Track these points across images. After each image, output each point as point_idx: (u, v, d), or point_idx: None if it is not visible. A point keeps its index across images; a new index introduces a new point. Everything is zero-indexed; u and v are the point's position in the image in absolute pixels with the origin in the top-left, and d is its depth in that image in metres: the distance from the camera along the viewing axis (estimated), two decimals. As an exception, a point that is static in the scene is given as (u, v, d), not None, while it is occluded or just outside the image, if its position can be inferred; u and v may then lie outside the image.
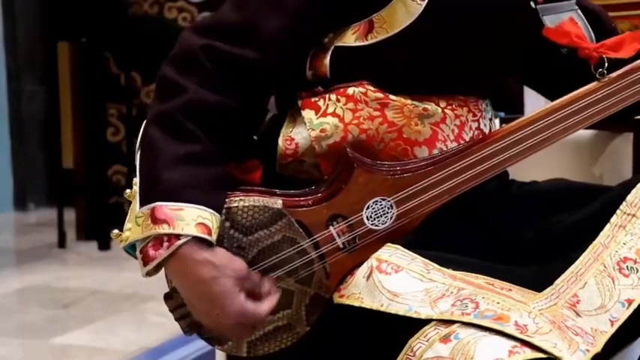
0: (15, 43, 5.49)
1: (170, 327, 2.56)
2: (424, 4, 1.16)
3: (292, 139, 1.19)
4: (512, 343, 0.98)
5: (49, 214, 5.00)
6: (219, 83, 1.14)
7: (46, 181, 5.62)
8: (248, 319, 1.11)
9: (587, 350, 1.01)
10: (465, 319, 1.01)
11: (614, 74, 1.23)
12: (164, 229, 1.08)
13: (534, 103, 1.88)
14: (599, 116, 1.22)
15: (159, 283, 1.20)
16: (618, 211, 1.16)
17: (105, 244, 4.36)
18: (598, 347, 1.04)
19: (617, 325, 1.07)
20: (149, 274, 1.11)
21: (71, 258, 4.30)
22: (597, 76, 1.22)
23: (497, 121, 1.37)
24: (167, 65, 1.16)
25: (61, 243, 4.47)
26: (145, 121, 1.16)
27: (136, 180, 1.14)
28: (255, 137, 1.25)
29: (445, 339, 1.00)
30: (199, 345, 2.77)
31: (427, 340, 1.01)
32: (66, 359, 2.79)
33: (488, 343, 0.98)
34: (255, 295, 1.12)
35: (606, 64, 1.22)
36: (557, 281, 1.10)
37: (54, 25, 5.24)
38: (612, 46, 1.24)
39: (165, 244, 1.08)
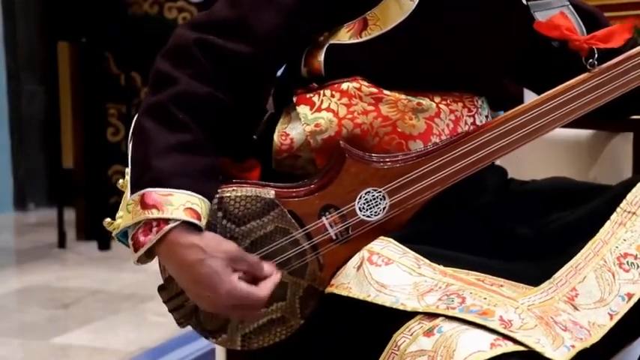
0: (15, 43, 5.49)
1: (170, 327, 2.55)
2: (416, 1, 1.16)
3: (287, 135, 1.20)
4: (495, 336, 0.98)
5: (49, 214, 5.00)
6: (211, 76, 1.14)
7: (46, 181, 5.62)
8: (244, 300, 1.10)
9: (572, 346, 1.00)
10: (450, 313, 1.01)
11: (604, 65, 1.23)
12: (153, 214, 1.08)
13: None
14: (591, 106, 1.22)
15: (158, 283, 1.20)
16: (618, 209, 1.16)
17: (105, 244, 4.36)
18: (590, 341, 1.03)
19: (616, 318, 1.07)
20: (140, 260, 1.12)
21: (71, 258, 4.30)
22: (588, 67, 1.23)
23: (495, 120, 1.37)
24: (161, 59, 1.17)
25: (61, 243, 4.47)
26: (137, 113, 1.16)
27: (128, 170, 1.14)
28: (254, 137, 1.26)
29: (428, 333, 1.00)
30: (199, 345, 2.77)
31: (411, 335, 1.01)
32: (66, 359, 2.79)
33: (470, 336, 0.98)
34: (254, 277, 1.11)
35: (596, 55, 1.23)
36: (556, 275, 1.10)
37: (54, 25, 5.24)
38: (602, 37, 1.24)
39: (155, 229, 1.08)
